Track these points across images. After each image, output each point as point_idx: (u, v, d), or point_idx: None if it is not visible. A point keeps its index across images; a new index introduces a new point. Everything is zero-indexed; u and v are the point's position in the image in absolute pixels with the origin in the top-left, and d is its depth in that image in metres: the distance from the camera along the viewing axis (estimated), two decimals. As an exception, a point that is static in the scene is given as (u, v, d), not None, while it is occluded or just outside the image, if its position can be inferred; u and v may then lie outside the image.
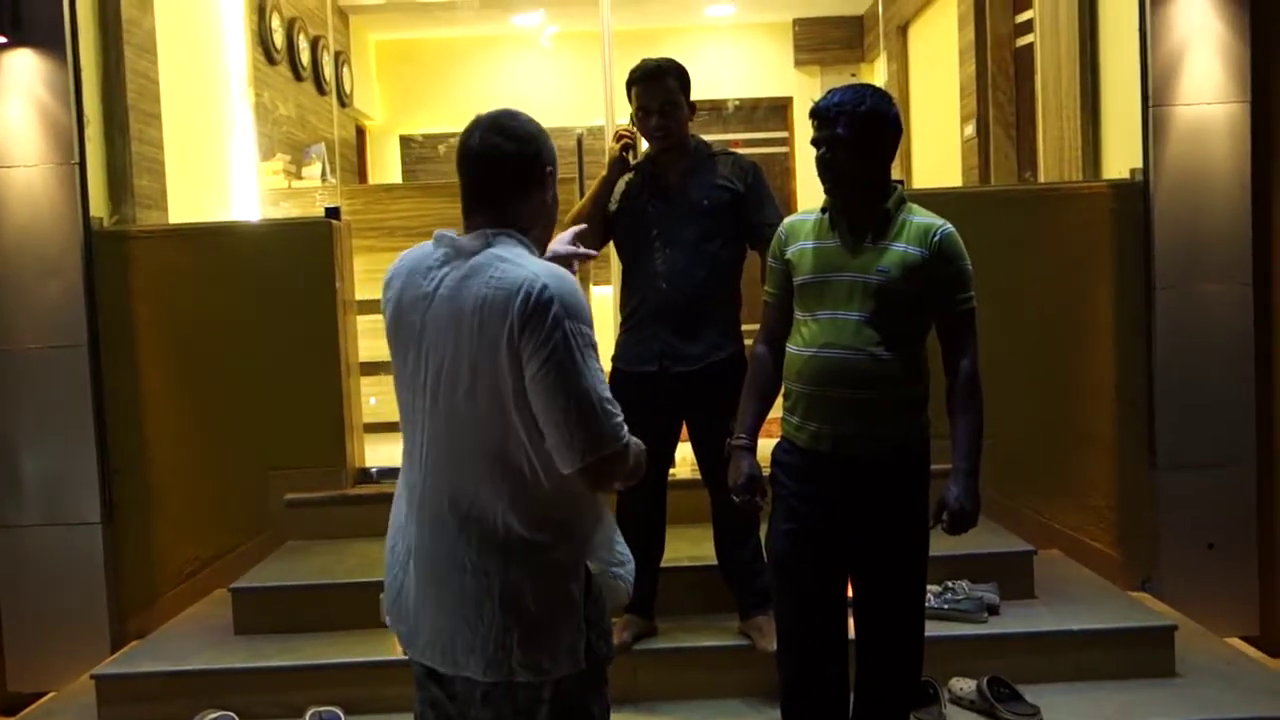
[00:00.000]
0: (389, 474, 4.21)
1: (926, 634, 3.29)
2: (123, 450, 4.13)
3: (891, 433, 2.58)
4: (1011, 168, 5.85)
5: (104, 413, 4.11)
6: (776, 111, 9.00)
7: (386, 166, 9.01)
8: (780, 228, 2.73)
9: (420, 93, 8.92)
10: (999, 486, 4.13)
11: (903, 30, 7.64)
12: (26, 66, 3.99)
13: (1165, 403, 4.12)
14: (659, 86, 3.17)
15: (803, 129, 8.85)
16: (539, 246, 2.00)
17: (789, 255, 2.69)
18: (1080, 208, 4.22)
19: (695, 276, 3.15)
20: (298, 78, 6.49)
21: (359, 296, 6.00)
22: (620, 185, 3.26)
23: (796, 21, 8.77)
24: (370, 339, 5.84)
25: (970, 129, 6.10)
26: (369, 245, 5.90)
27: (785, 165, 8.89)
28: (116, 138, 4.30)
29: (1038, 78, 5.09)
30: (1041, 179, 5.06)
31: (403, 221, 5.52)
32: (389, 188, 6.60)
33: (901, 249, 2.56)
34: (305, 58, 6.59)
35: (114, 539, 4.12)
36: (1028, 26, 5.54)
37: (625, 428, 1.84)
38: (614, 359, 3.30)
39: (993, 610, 3.43)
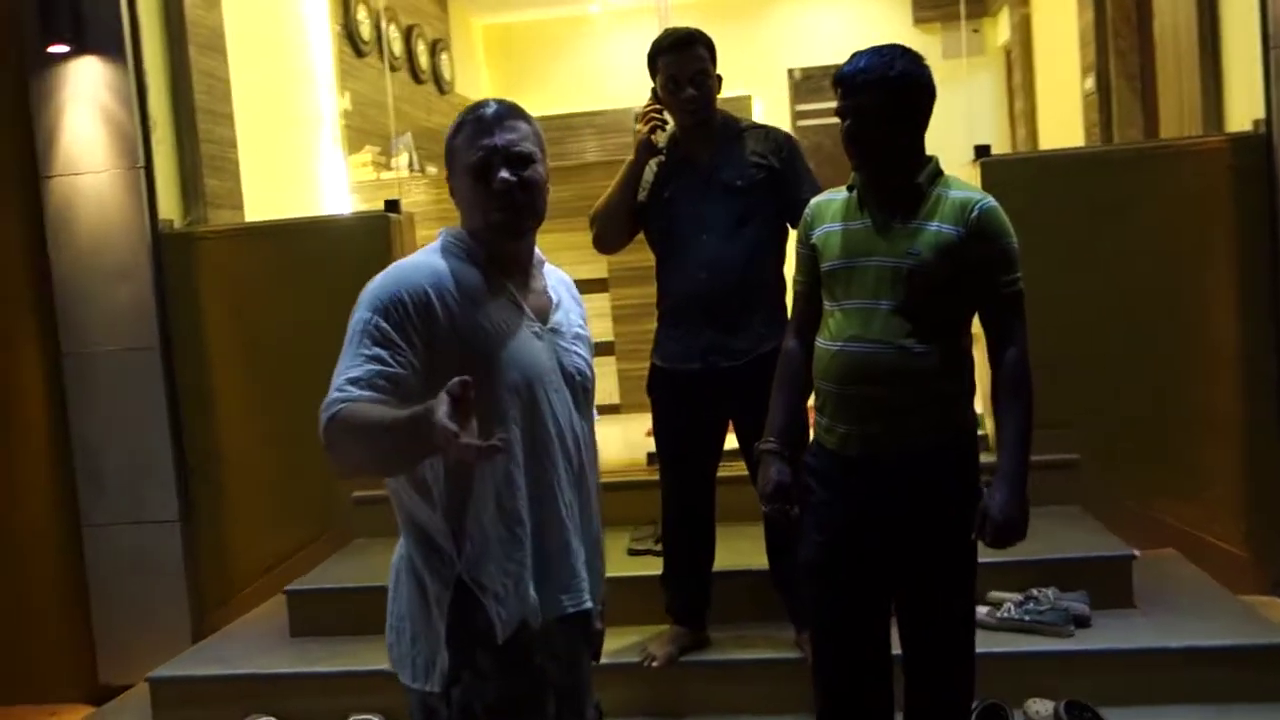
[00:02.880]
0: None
1: (1004, 649, 3.03)
2: (197, 449, 4.17)
3: (929, 433, 2.31)
4: (1137, 123, 5.34)
5: (178, 413, 4.15)
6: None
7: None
8: (808, 208, 2.48)
9: (530, 76, 8.86)
10: (1102, 477, 3.77)
11: (1024, -21, 7.12)
12: (90, 73, 4.04)
13: (1298, 380, 3.66)
14: (690, 55, 2.94)
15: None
16: (492, 234, 1.84)
17: (815, 239, 2.45)
18: (1195, 166, 3.77)
19: (735, 263, 2.92)
20: (390, 68, 6.47)
21: None
22: (648, 171, 3.05)
23: (915, -24, 8.32)
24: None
25: (1090, 82, 5.61)
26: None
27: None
28: (185, 139, 4.32)
29: (1155, 21, 4.61)
30: (1162, 134, 4.59)
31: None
32: None
33: (935, 228, 2.29)
34: (398, 47, 6.57)
35: (191, 537, 4.17)
36: (1151, -34, 5.04)
37: (339, 403, 1.65)
38: (654, 356, 3.09)
39: (1081, 622, 3.09)
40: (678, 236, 2.98)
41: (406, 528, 1.84)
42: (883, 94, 2.27)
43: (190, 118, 4.33)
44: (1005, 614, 3.11)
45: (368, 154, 5.82)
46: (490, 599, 1.78)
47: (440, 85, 7.39)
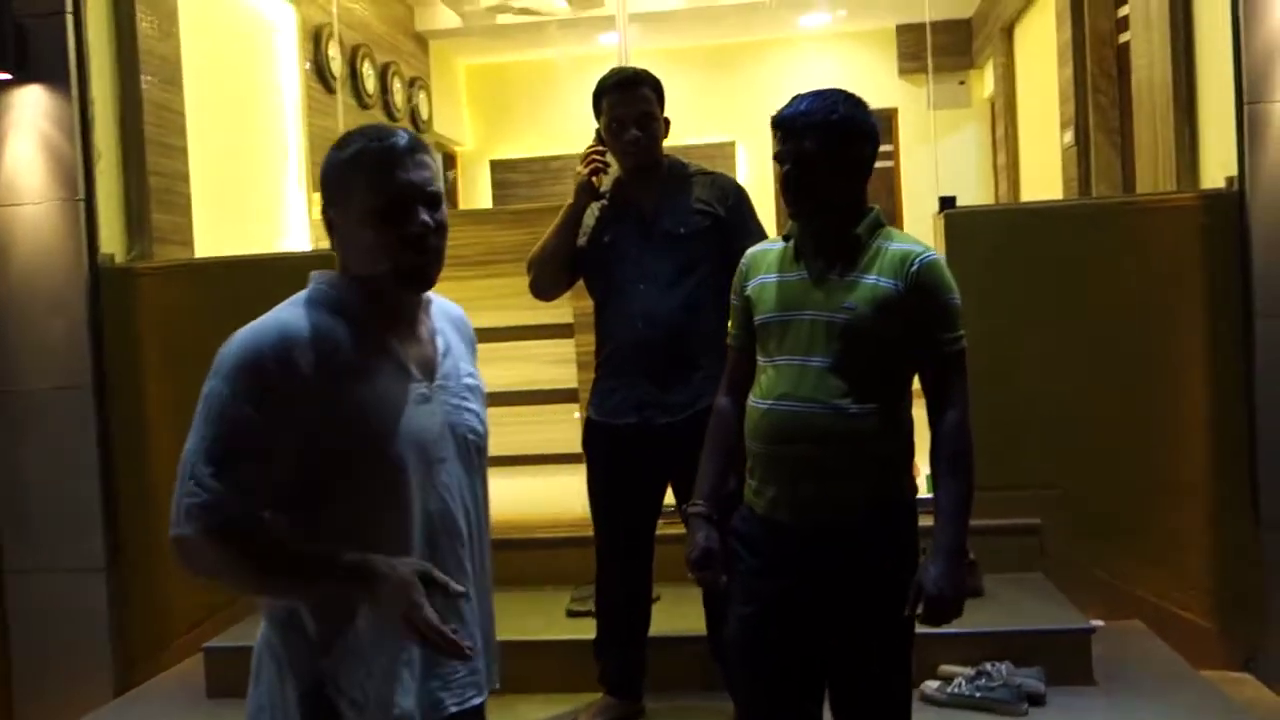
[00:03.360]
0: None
1: (952, 727, 2.86)
2: (128, 494, 4.01)
3: (864, 498, 2.16)
4: (1115, 178, 5.24)
5: (109, 455, 3.99)
6: (879, 124, 8.47)
7: (478, 192, 8.90)
8: (744, 258, 2.35)
9: (512, 117, 8.80)
10: (1065, 544, 3.61)
11: (1007, 32, 7.07)
12: (32, 102, 3.93)
13: (1270, 448, 3.50)
14: (634, 96, 2.82)
15: (909, 140, 8.34)
16: (398, 284, 1.60)
17: (749, 290, 2.32)
18: (1167, 222, 3.64)
19: (674, 314, 2.78)
20: (362, 106, 6.38)
21: None
22: (589, 216, 2.92)
23: (900, 28, 8.26)
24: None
25: (1069, 136, 5.52)
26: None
27: (890, 180, 8.37)
28: (131, 172, 4.20)
29: (1134, 76, 4.51)
30: (1138, 190, 4.48)
31: (454, 250, 5.26)
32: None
33: (873, 281, 2.16)
34: (371, 85, 6.48)
35: (118, 586, 3.99)
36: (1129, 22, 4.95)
37: (210, 510, 1.46)
38: (589, 409, 2.95)
39: (1036, 700, 2.91)
40: (616, 284, 2.84)
41: (268, 606, 1.61)
42: (824, 139, 2.15)
43: (139, 150, 4.21)
44: (955, 689, 2.94)
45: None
46: (347, 706, 1.55)
47: (417, 124, 7.30)
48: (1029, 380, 3.61)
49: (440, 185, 1.65)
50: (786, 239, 2.30)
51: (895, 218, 7.95)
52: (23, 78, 3.90)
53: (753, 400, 2.25)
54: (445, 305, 1.77)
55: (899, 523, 2.21)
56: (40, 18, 3.89)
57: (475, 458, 1.71)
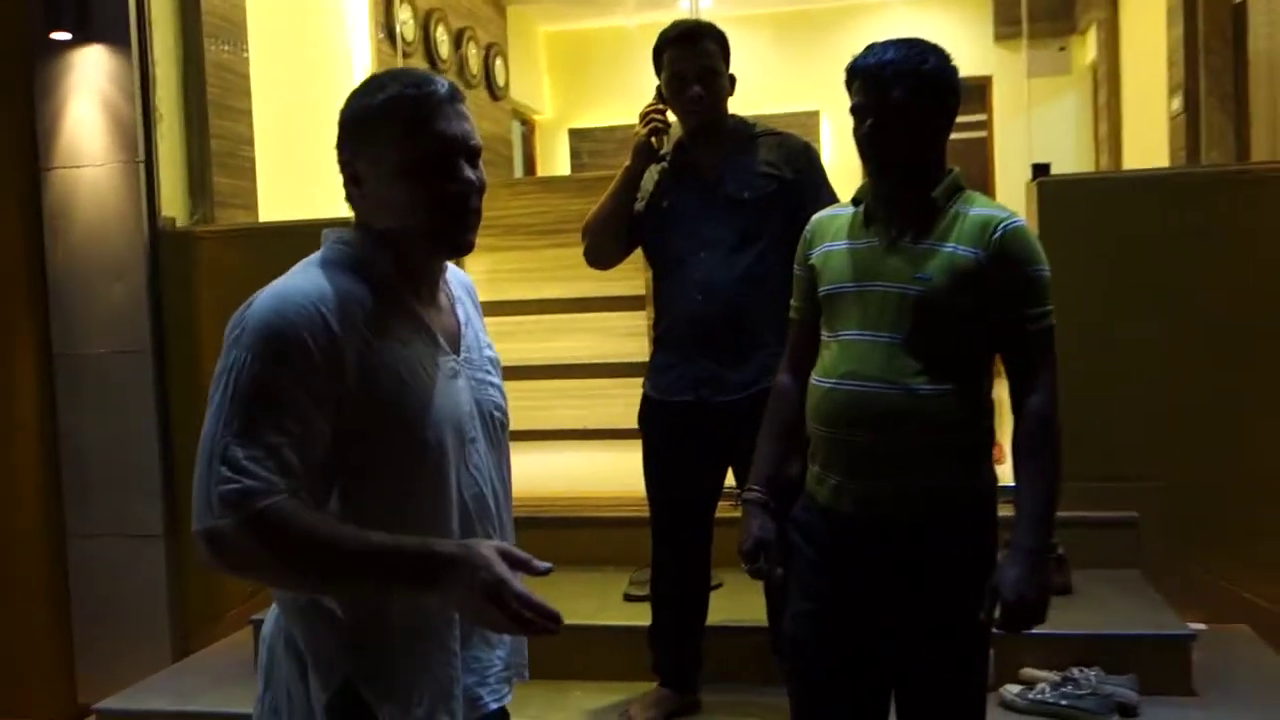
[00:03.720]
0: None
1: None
2: (185, 462, 3.95)
3: (935, 490, 1.96)
4: (1228, 146, 4.86)
5: (168, 421, 3.94)
6: (973, 92, 8.11)
7: (557, 161, 8.76)
8: (809, 224, 2.15)
9: (592, 84, 8.62)
10: (1165, 540, 3.33)
11: (1113, -8, 6.66)
12: (94, 63, 3.86)
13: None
14: (696, 49, 2.63)
15: (1004, 110, 7.96)
16: (432, 246, 1.46)
17: (814, 259, 2.13)
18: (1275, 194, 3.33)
19: (736, 286, 2.59)
20: (437, 71, 6.25)
21: (480, 298, 5.62)
22: (648, 178, 2.73)
23: (996, -9, 7.88)
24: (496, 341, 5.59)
25: (1177, 102, 5.14)
26: (489, 244, 5.60)
27: (984, 152, 8.01)
28: (194, 134, 4.13)
29: (1250, 36, 4.16)
30: (1253, 159, 4.13)
31: (523, 219, 5.18)
32: (511, 183, 6.28)
33: (950, 250, 1.95)
34: (445, 50, 6.36)
35: (177, 553, 3.94)
36: (1247, -24, 4.57)
37: (252, 497, 1.28)
38: (645, 385, 2.77)
39: (1126, 711, 2.67)
40: (674, 253, 2.66)
41: (283, 594, 1.45)
42: (913, 90, 1.95)
43: (201, 112, 4.13)
44: (1038, 696, 2.71)
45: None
46: (385, 706, 1.40)
47: (493, 91, 7.17)
48: (1128, 362, 3.33)
49: (479, 140, 1.48)
50: (856, 203, 2.10)
51: (987, 193, 7.59)
52: (83, 37, 3.84)
53: (815, 379, 2.06)
54: (456, 271, 1.62)
55: (975, 516, 2.01)
56: (101, -25, 3.83)
57: (500, 435, 1.59)
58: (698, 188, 2.66)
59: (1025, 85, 7.41)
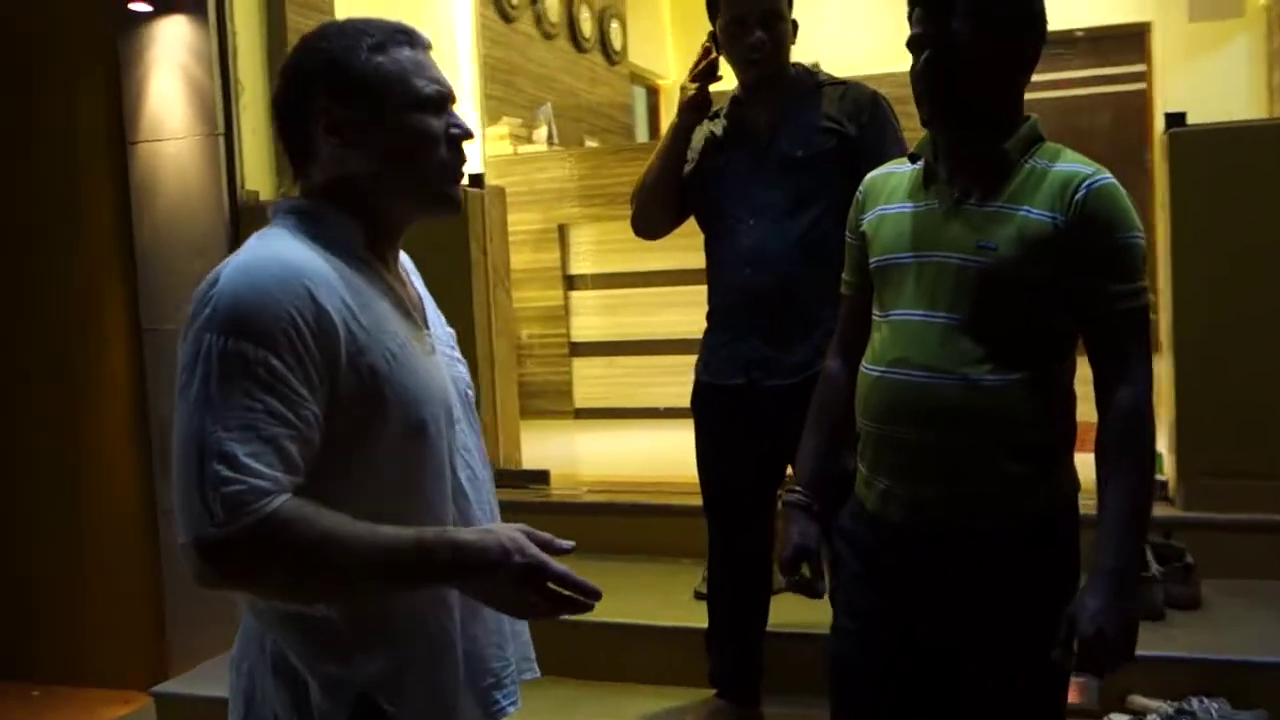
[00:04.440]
0: (535, 478, 3.68)
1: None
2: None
3: (1000, 500, 1.67)
4: None
5: (249, 398, 3.89)
6: (1129, 41, 7.45)
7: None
8: (861, 185, 1.87)
9: (719, 46, 8.30)
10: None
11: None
12: (174, 34, 3.82)
13: None
14: None
15: (1166, 58, 7.28)
16: (423, 206, 1.37)
17: (865, 225, 1.86)
18: None
19: (789, 256, 2.32)
20: (545, 35, 6.08)
21: (582, 270, 5.49)
22: (698, 137, 2.47)
23: (1160, -75, 7.20)
24: (592, 315, 5.41)
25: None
26: (594, 214, 5.43)
27: (1140, 105, 7.36)
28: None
29: None
30: None
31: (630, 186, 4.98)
32: (618, 149, 6.05)
33: (1023, 214, 1.66)
34: (555, 13, 6.17)
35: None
36: None
37: (260, 496, 1.13)
38: (696, 367, 2.53)
39: (1252, 751, 2.30)
40: (723, 220, 2.40)
41: (267, 608, 1.30)
42: (982, 18, 1.64)
43: (284, 83, 4.05)
44: (1149, 728, 2.37)
45: (505, 126, 5.45)
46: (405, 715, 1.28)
47: (609, 55, 6.95)
48: (1271, 341, 2.89)
49: None
50: (914, 159, 1.80)
51: (1147, 148, 6.95)
52: (164, 8, 3.80)
53: (864, 365, 1.79)
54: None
55: (1050, 531, 1.71)
56: (180, -55, 3.77)
57: (474, 414, 1.49)
58: (750, 146, 2.39)
59: (1189, 31, 6.77)
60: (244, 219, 3.87)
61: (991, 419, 1.64)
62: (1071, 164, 1.67)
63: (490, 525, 1.32)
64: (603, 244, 5.38)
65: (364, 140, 1.31)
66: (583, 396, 5.46)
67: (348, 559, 1.17)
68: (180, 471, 1.16)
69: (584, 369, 5.44)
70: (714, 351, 2.46)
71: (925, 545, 1.70)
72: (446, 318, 1.51)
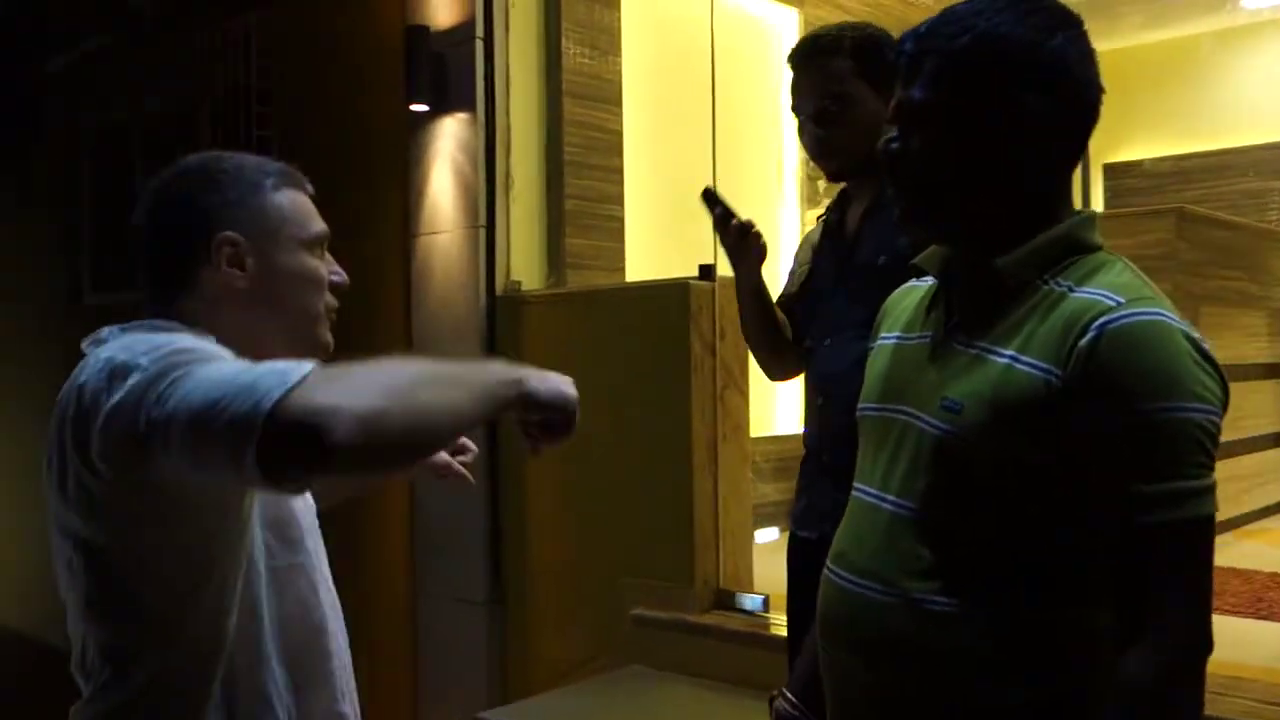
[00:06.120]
0: (746, 605, 3.31)
1: None
2: (510, 530, 3.88)
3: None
4: None
5: (496, 489, 3.89)
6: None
7: (1093, 199, 7.58)
8: (885, 302, 1.44)
9: (1129, 110, 7.32)
10: None
11: None
12: (449, 132, 3.96)
13: None
14: (815, 73, 1.91)
15: None
16: (239, 347, 1.26)
17: (871, 359, 1.41)
18: None
19: (859, 383, 1.83)
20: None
21: None
22: (805, 245, 2.06)
23: None
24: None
25: None
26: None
27: None
28: (551, 196, 4.07)
29: None
30: None
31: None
32: None
33: (1005, 361, 1.15)
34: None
35: (496, 622, 3.88)
36: None
37: (297, 370, 1.02)
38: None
39: None
40: (809, 340, 1.96)
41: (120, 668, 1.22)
42: (942, 83, 1.19)
43: (558, 173, 4.07)
44: None
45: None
46: None
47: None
48: None
49: None
50: (920, 273, 1.34)
51: None
52: (441, 108, 3.95)
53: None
54: None
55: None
56: (455, 45, 3.91)
57: (318, 537, 1.47)
58: (838, 251, 1.94)
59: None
60: (501, 308, 3.90)
61: (941, 661, 1.13)
62: (1099, 289, 1.12)
63: None
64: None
65: (257, 275, 1.33)
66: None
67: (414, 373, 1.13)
68: (216, 407, 1.02)
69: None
70: (795, 496, 2.01)
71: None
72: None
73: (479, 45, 3.86)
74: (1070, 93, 1.17)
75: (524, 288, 3.97)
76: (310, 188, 1.43)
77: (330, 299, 1.42)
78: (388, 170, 4.22)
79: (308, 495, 1.44)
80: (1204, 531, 1.05)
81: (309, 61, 4.57)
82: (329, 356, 1.36)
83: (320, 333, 1.41)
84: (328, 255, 1.43)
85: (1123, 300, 1.09)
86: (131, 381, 1.10)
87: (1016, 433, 1.09)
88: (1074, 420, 1.07)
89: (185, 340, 1.17)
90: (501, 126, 3.92)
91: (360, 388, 1.02)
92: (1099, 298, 1.10)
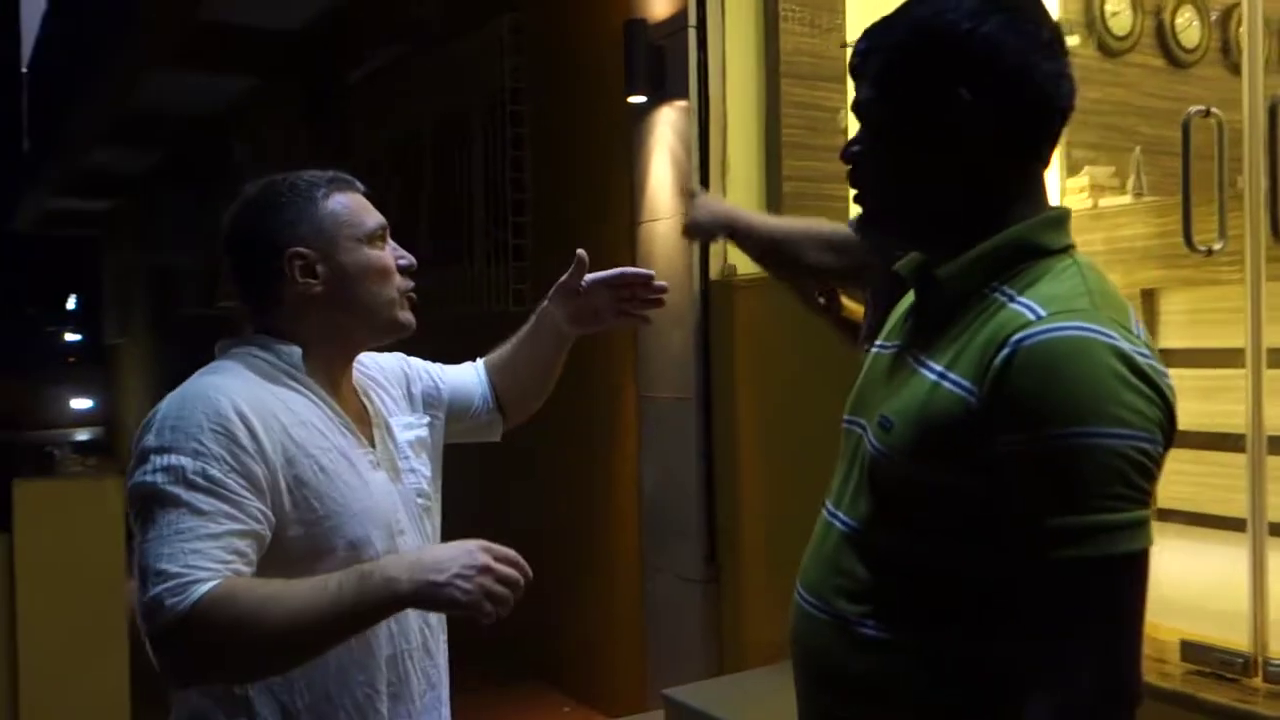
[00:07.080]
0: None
1: None
2: (723, 511, 3.93)
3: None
4: None
5: (710, 470, 3.95)
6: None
7: None
8: None
9: None
10: None
11: None
12: (666, 121, 4.04)
13: None
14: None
15: None
16: (382, 337, 1.55)
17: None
18: None
19: None
20: (1173, 63, 5.15)
21: (1172, 344, 4.74)
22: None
23: None
24: (1183, 399, 4.45)
25: None
26: (1185, 276, 4.54)
27: None
28: (770, 179, 4.06)
29: None
30: None
31: (1232, 243, 4.04)
32: (1210, 199, 4.77)
33: (934, 378, 1.11)
34: (1188, 37, 5.20)
35: (711, 600, 3.95)
36: None
37: (204, 581, 1.21)
38: None
39: None
40: None
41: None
42: (882, 82, 1.15)
43: (776, 156, 4.05)
44: None
45: (1085, 177, 4.74)
46: None
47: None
48: None
49: None
50: (900, 280, 1.29)
51: None
52: (659, 98, 4.03)
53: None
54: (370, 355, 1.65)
55: None
56: (669, 35, 3.98)
57: (426, 523, 1.58)
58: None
59: None
60: (714, 294, 3.95)
61: (868, 690, 1.09)
62: (1030, 300, 1.04)
63: (389, 555, 1.39)
64: (1196, 313, 4.40)
65: (329, 278, 1.46)
66: (1166, 495, 4.52)
67: (293, 612, 1.21)
68: (138, 581, 1.27)
69: (1169, 461, 4.49)
70: None
71: None
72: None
73: (691, 34, 3.91)
74: (1006, 83, 1.07)
75: (739, 272, 3.98)
76: (361, 186, 1.54)
77: (402, 282, 1.51)
78: (618, 160, 4.35)
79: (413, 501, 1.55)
80: (1119, 570, 0.94)
81: (549, 59, 4.80)
82: (412, 334, 1.54)
83: (398, 315, 1.51)
84: (391, 242, 1.53)
85: (1044, 314, 0.99)
86: (138, 476, 1.30)
87: (938, 455, 1.03)
88: (994, 443, 0.99)
89: (204, 435, 1.30)
90: (716, 112, 3.96)
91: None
92: (1023, 310, 1.01)
